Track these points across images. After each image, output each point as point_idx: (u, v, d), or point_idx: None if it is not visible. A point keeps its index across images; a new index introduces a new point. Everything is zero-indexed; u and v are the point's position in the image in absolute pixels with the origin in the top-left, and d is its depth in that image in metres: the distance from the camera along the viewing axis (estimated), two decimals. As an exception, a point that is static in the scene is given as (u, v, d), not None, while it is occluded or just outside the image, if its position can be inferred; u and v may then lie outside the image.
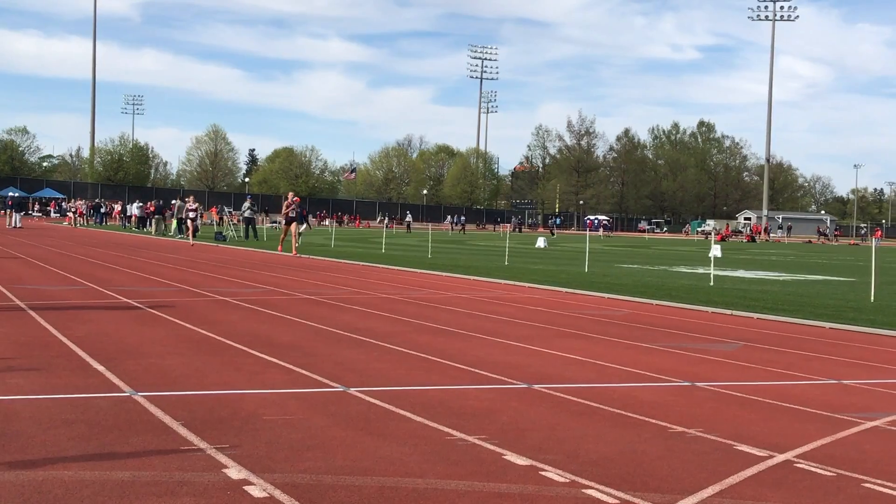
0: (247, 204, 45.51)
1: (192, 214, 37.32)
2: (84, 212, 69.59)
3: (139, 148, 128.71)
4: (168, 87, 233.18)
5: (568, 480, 4.93)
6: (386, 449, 5.47)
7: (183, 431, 5.72)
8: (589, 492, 4.74)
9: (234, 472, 4.88)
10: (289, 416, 6.23)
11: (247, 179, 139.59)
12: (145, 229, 54.69)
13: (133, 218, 61.89)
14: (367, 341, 10.11)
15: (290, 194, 30.73)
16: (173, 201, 48.72)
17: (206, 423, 5.96)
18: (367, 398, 6.95)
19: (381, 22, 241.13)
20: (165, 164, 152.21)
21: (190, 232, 37.68)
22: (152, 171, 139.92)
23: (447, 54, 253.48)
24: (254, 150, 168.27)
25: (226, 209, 69.97)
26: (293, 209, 29.79)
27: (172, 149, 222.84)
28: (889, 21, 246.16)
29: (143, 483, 4.64)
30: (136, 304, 13.25)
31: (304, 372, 8.01)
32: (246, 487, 4.62)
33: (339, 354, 9.12)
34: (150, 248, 32.63)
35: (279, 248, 30.67)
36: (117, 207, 75.38)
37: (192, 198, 39.35)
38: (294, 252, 29.13)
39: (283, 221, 30.73)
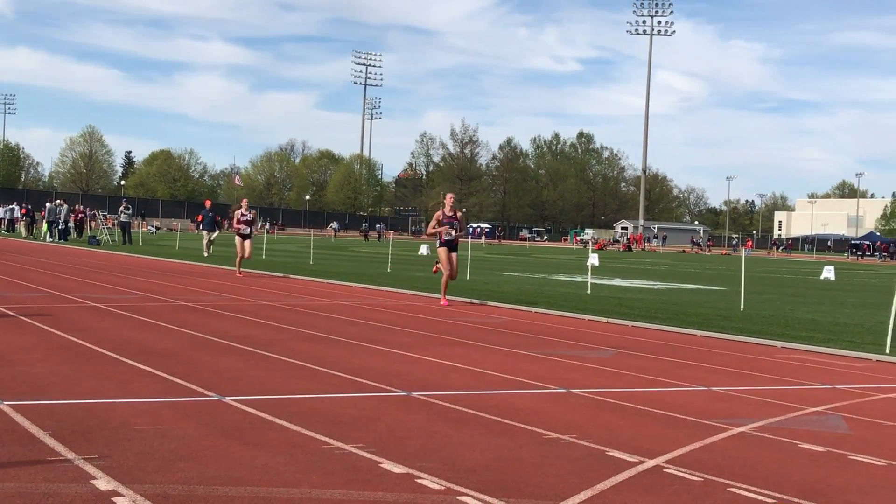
0: (122, 207, 44.40)
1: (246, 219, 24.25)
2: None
3: (10, 148, 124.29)
4: (42, 86, 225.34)
5: (444, 488, 4.95)
6: (261, 458, 5.40)
7: (50, 442, 5.54)
8: (464, 499, 4.77)
9: (103, 483, 4.75)
10: (161, 426, 6.10)
11: (123, 182, 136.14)
12: (14, 232, 52.82)
13: (3, 222, 59.76)
14: (244, 349, 9.97)
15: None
16: (46, 204, 47.20)
17: (75, 432, 5.78)
18: (243, 407, 6.85)
19: (264, 25, 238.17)
20: (37, 165, 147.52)
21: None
22: (23, 172, 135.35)
23: (331, 60, 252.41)
24: (130, 152, 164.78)
25: (99, 213, 68.00)
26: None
27: (45, 150, 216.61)
28: (762, 38, 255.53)
29: (7, 495, 4.47)
30: (3, 310, 12.78)
31: (178, 381, 7.85)
32: (115, 499, 4.50)
33: (216, 363, 8.97)
34: (23, 252, 31.53)
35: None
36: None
37: (245, 201, 26.37)
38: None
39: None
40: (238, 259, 23.47)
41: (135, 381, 7.73)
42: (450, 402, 7.40)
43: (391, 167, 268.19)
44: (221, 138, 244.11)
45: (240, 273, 23.41)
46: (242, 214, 23.59)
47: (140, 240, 46.78)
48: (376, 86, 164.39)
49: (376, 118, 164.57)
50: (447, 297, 17.32)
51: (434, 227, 17.11)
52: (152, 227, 77.28)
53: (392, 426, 6.43)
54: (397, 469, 5.28)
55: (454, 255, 17.03)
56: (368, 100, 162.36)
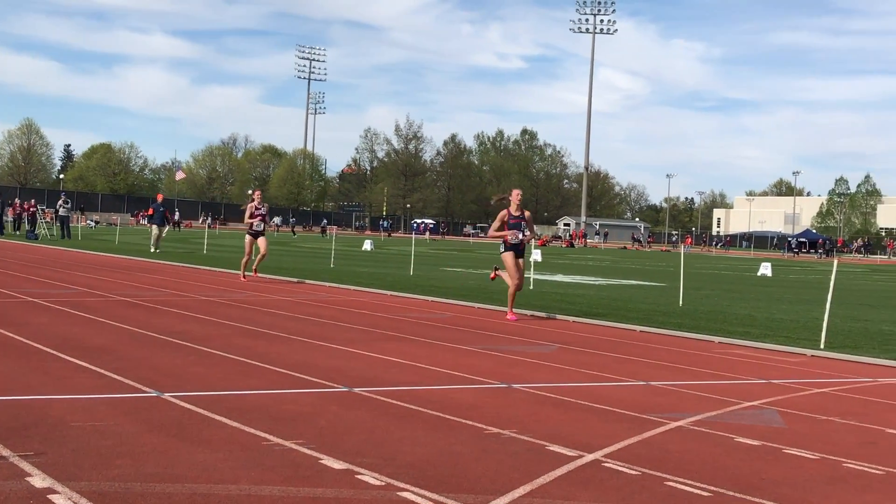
0: (60, 201, 43.71)
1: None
2: None
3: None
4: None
5: (383, 483, 4.95)
6: (199, 455, 5.36)
7: (-18, 440, 5.44)
8: (404, 494, 4.78)
9: (38, 480, 4.68)
10: (98, 423, 6.02)
11: (62, 176, 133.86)
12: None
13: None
14: (184, 345, 9.88)
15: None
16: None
17: (10, 429, 5.69)
18: (182, 403, 6.79)
19: (207, 18, 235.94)
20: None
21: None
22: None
23: (275, 53, 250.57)
24: (70, 145, 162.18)
25: (38, 207, 66.81)
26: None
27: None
28: (702, 38, 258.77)
29: (-65, 495, 4.39)
30: (-65, 305, 12.51)
31: (116, 377, 7.75)
32: (50, 496, 4.44)
33: (154, 358, 8.87)
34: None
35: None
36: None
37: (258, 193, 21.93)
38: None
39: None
40: (244, 260, 20.74)
41: (72, 377, 7.62)
42: (391, 398, 7.41)
43: (335, 162, 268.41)
44: (162, 132, 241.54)
45: (244, 278, 20.55)
46: (256, 208, 20.77)
47: (79, 234, 46.07)
48: (320, 80, 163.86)
49: (320, 113, 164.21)
50: (515, 310, 15.00)
51: (497, 230, 14.68)
52: (91, 221, 76.14)
53: (333, 422, 6.41)
54: (337, 465, 5.27)
55: (521, 260, 14.78)
56: (312, 94, 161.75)
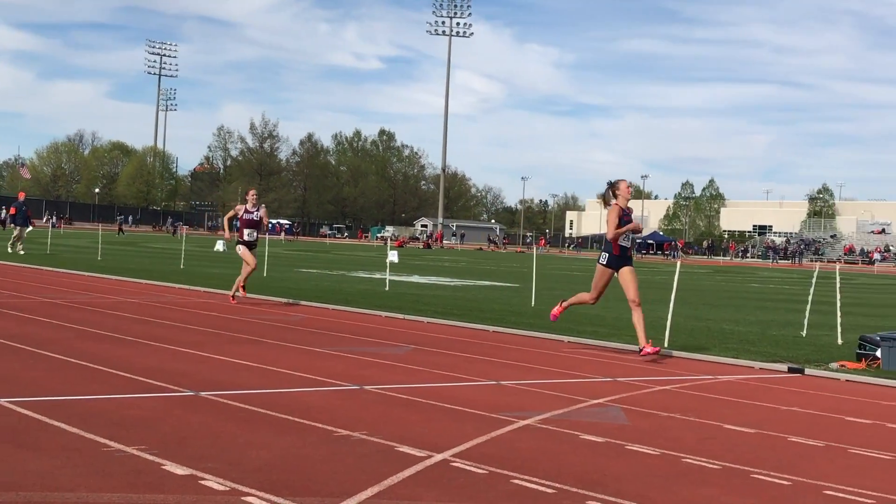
0: None
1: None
2: None
3: None
4: None
5: (228, 489, 4.86)
6: (35, 463, 5.14)
7: None
8: (248, 499, 4.69)
9: None
10: (-75, 432, 5.71)
11: None
12: None
13: None
14: (22, 348, 9.48)
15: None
16: None
17: None
18: (18, 409, 6.50)
19: (53, 11, 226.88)
20: None
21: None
22: None
23: (124, 48, 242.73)
24: None
25: None
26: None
27: None
28: (556, 43, 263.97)
29: None
30: None
31: (-54, 383, 7.38)
32: None
33: (-10, 363, 8.48)
34: None
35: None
36: None
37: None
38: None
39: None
40: (244, 275, 16.49)
41: None
42: (239, 402, 7.28)
43: (187, 160, 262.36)
44: (6, 127, 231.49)
45: (235, 298, 16.37)
46: (247, 212, 16.52)
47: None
48: (171, 76, 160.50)
49: (171, 110, 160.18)
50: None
51: (618, 226, 11.72)
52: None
53: (177, 427, 6.26)
54: (180, 471, 5.14)
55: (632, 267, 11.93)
56: (163, 91, 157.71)
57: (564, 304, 12.61)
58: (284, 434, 6.23)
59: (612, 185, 11.99)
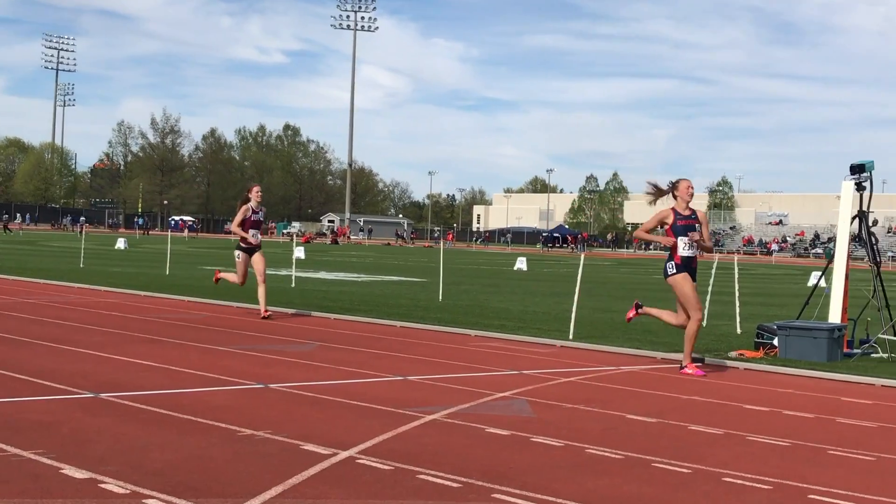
0: None
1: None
2: None
3: None
4: None
5: (129, 491, 4.76)
6: (-76, 472, 4.97)
7: None
8: (150, 502, 4.61)
9: None
10: None
11: None
12: None
13: None
14: (-88, 353, 9.15)
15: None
16: None
17: None
18: None
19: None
20: None
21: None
22: None
23: (19, 42, 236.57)
24: None
25: None
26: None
27: None
28: (461, 38, 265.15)
29: None
30: None
31: None
32: None
33: None
34: None
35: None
36: None
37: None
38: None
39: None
40: (232, 280, 15.31)
41: None
42: (140, 403, 7.14)
43: (86, 157, 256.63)
44: None
45: (267, 311, 14.44)
46: (254, 211, 15.00)
47: None
48: (69, 71, 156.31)
49: (69, 105, 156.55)
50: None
51: (651, 231, 10.96)
52: None
53: (76, 430, 6.11)
54: (79, 474, 5.03)
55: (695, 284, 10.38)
56: (61, 86, 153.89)
57: (670, 323, 10.78)
58: (187, 435, 6.13)
59: (673, 185, 10.56)
